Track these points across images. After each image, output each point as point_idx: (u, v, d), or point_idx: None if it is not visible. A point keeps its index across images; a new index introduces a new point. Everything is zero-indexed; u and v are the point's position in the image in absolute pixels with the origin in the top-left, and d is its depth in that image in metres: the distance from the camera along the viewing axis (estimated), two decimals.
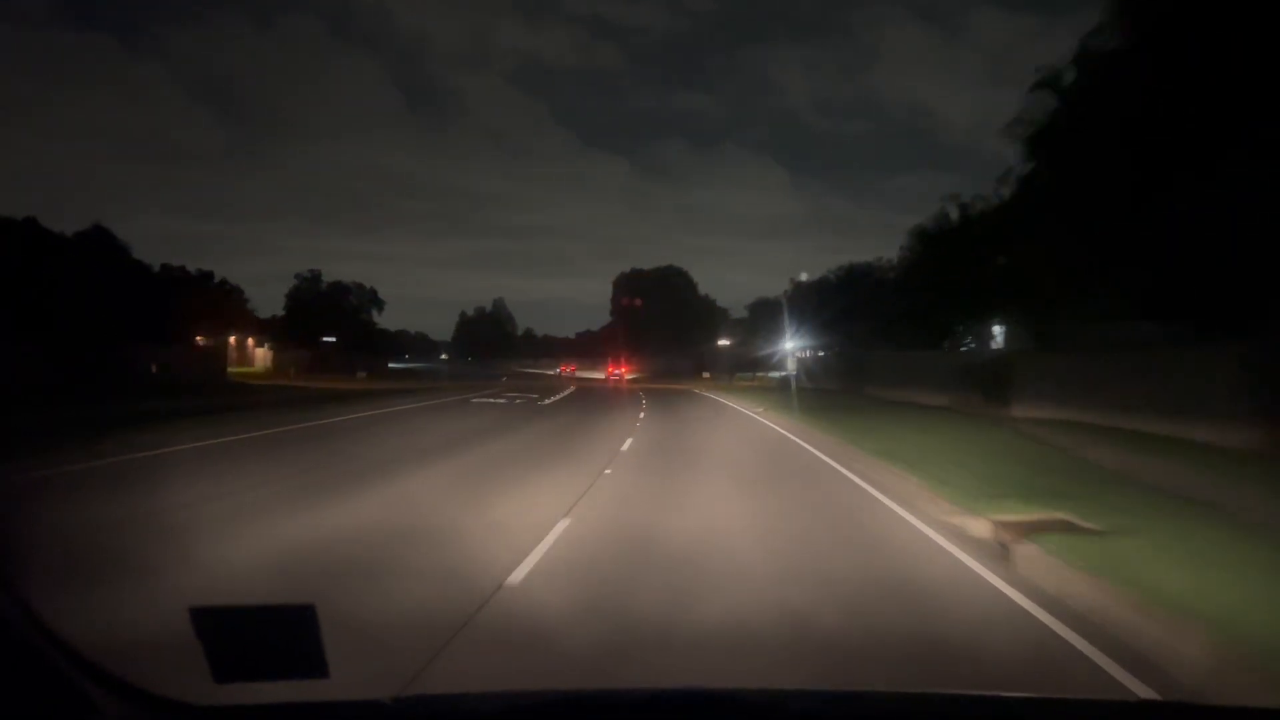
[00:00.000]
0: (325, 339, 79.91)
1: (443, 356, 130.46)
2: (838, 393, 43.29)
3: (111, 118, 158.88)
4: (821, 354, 59.10)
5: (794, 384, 50.62)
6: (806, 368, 58.76)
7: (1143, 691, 4.67)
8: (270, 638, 1.81)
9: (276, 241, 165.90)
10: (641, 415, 27.52)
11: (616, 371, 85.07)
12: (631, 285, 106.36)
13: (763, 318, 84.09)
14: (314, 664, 1.78)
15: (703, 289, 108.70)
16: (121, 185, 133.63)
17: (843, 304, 50.16)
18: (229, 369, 61.29)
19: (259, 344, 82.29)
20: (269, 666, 1.79)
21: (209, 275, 75.32)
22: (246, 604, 1.87)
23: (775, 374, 69.24)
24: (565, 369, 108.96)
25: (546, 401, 35.73)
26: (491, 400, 35.52)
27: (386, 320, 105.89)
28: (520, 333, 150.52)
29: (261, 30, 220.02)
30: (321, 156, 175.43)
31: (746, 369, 78.25)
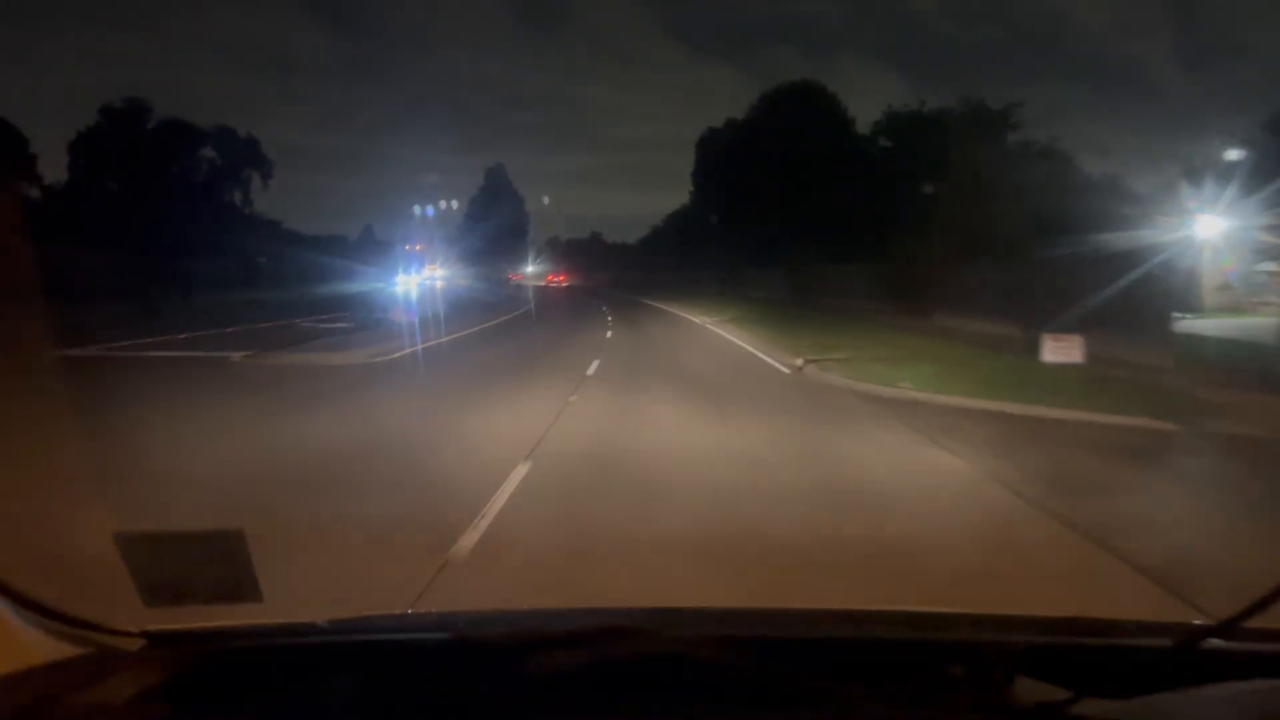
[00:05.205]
0: None
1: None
2: None
3: (227, 28, 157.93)
4: None
5: None
6: None
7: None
8: (200, 562, 1.74)
9: (387, 152, 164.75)
10: None
11: (555, 280, 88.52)
12: (723, 141, 60.14)
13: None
14: (247, 588, 1.70)
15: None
16: (241, 95, 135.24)
17: None
18: None
19: None
20: (200, 591, 1.72)
21: None
22: (173, 530, 1.79)
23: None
24: (513, 277, 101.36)
25: None
26: None
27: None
28: (586, 235, 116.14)
29: None
30: (431, 69, 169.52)
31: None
